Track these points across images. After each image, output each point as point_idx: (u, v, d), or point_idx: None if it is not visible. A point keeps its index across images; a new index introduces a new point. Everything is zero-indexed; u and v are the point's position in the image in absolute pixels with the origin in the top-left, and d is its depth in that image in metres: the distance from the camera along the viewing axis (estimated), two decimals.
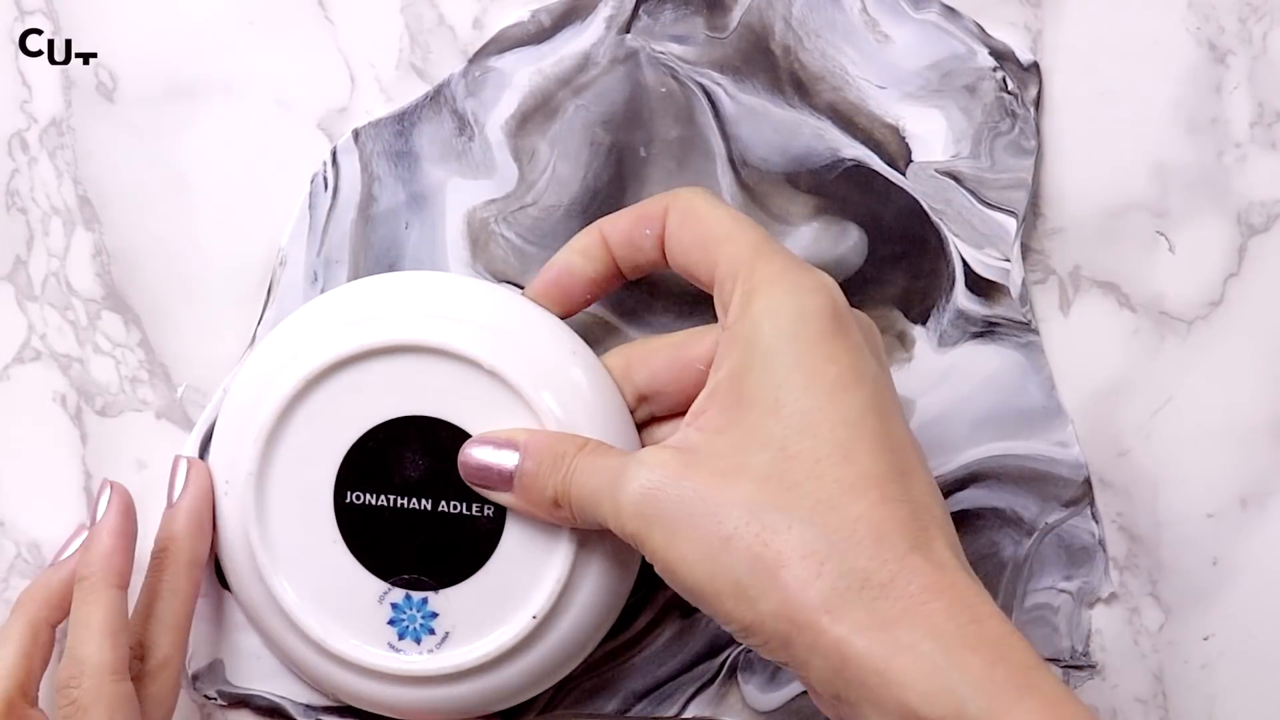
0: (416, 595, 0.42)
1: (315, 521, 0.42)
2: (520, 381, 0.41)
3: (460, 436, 0.42)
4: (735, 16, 0.45)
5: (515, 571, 0.42)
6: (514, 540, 0.42)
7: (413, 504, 0.42)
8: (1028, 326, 0.45)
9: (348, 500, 0.42)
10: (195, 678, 0.46)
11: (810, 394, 0.35)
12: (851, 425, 0.35)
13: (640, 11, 0.45)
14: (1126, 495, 0.46)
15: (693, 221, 0.39)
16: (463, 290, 0.44)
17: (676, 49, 0.45)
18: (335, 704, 0.46)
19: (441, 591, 0.42)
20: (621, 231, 0.41)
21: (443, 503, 0.42)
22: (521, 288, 0.44)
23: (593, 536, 0.42)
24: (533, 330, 0.43)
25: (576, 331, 0.44)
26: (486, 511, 0.42)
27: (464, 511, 0.42)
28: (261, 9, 0.45)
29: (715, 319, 0.38)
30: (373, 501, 0.42)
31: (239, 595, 0.45)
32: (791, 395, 0.35)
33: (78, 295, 0.46)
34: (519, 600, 0.42)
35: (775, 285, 0.37)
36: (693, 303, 0.45)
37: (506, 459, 0.40)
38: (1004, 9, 0.45)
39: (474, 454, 0.41)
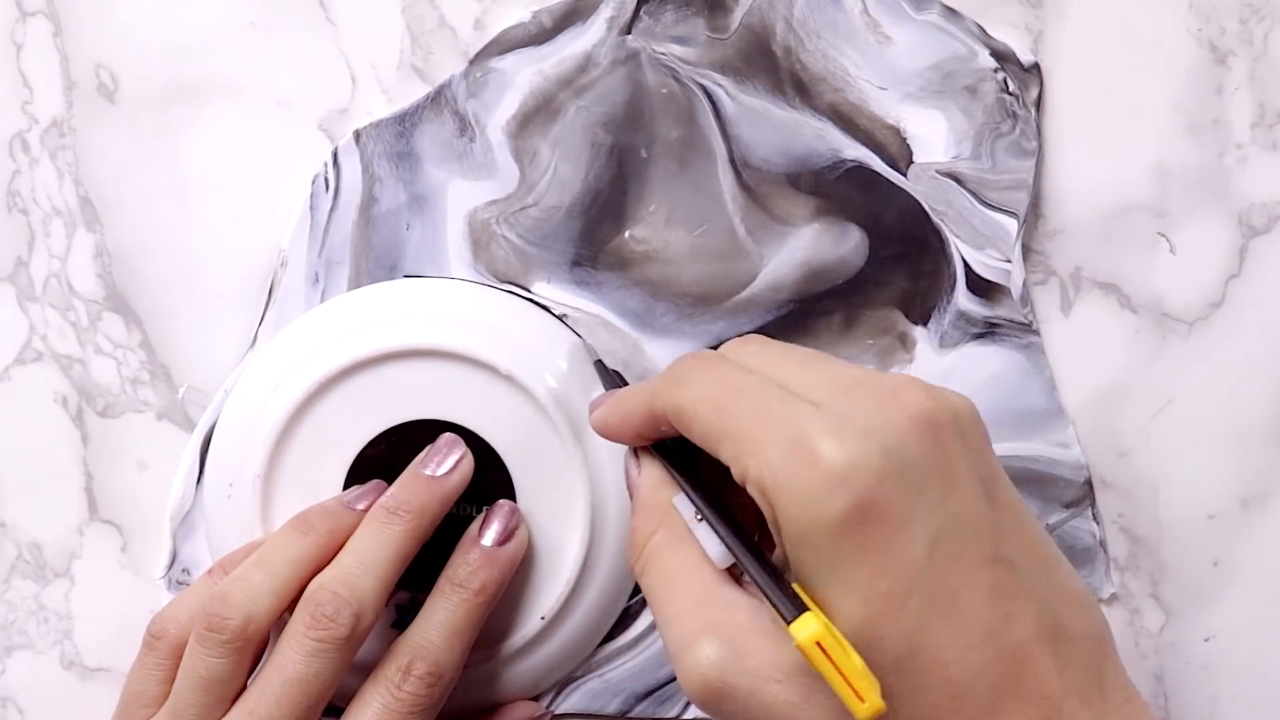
0: (421, 597, 0.42)
1: None
2: (535, 387, 0.41)
3: (471, 440, 0.42)
4: (736, 17, 0.45)
5: (524, 574, 0.42)
6: None
7: None
8: (1029, 327, 0.45)
9: None
10: None
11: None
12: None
13: (641, 12, 0.45)
14: (1127, 496, 0.46)
15: (690, 429, 0.34)
16: (472, 296, 0.44)
17: (678, 50, 0.45)
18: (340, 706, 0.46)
19: None
20: (636, 428, 0.37)
21: (451, 506, 0.42)
22: (524, 289, 0.44)
23: (600, 538, 0.42)
24: (543, 337, 0.43)
25: (578, 334, 0.44)
26: None
27: (472, 515, 0.42)
28: (262, 9, 0.45)
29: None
30: None
31: None
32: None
33: (79, 296, 0.46)
34: (527, 602, 0.42)
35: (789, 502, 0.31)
36: (694, 304, 0.45)
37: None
38: (1005, 10, 0.45)
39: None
